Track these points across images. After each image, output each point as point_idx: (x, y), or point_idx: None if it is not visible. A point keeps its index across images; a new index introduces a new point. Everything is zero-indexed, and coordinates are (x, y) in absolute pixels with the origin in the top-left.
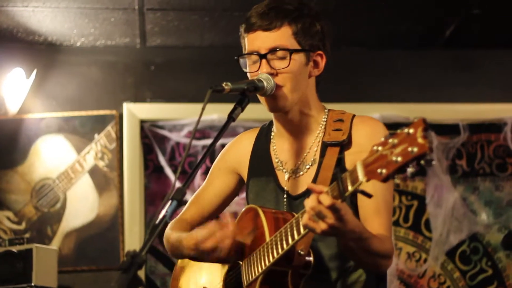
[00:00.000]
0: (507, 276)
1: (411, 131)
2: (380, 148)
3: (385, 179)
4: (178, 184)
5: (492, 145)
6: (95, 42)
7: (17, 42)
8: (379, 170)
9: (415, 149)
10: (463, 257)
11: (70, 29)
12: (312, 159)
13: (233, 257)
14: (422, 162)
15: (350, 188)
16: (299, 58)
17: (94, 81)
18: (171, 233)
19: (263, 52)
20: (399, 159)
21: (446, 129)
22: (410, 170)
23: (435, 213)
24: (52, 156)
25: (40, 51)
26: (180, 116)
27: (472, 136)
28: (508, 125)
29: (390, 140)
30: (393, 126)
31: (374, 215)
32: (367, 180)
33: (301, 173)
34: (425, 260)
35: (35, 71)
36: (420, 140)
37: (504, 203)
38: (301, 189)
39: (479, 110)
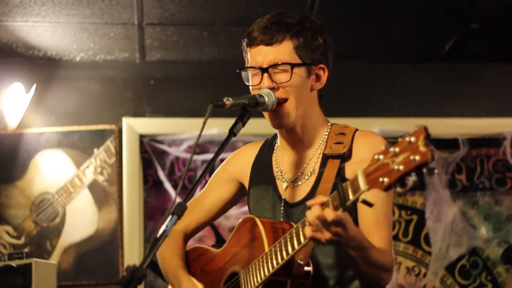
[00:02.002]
0: None
1: (413, 139)
2: (381, 157)
3: (387, 188)
4: (178, 199)
5: (491, 159)
6: (95, 57)
7: (17, 57)
8: (381, 179)
9: (418, 158)
10: (462, 272)
11: (70, 44)
12: (311, 170)
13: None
14: (425, 170)
15: (351, 197)
16: (300, 72)
17: (93, 95)
18: (166, 252)
19: (264, 66)
20: (401, 167)
21: (446, 144)
22: (412, 178)
23: (434, 227)
24: (51, 171)
25: (39, 66)
26: (179, 130)
27: (472, 151)
28: (508, 139)
29: (392, 149)
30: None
31: (374, 229)
32: (369, 189)
33: (300, 183)
34: (425, 275)
35: (34, 86)
36: (422, 148)
37: (503, 218)
38: (299, 198)
39: (478, 124)
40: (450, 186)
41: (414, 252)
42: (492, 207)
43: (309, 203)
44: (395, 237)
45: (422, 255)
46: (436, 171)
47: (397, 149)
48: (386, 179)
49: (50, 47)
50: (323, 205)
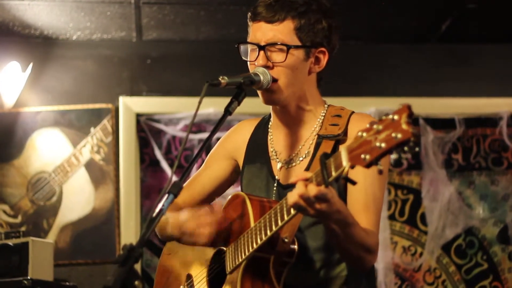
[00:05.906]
0: (502, 270)
1: (396, 117)
2: (364, 134)
3: (368, 165)
4: (174, 178)
5: (487, 139)
6: (91, 36)
7: (13, 35)
8: (362, 156)
9: (399, 135)
10: (458, 251)
11: (66, 23)
12: (306, 152)
13: (215, 244)
14: (406, 148)
15: (333, 173)
16: (297, 53)
17: (90, 74)
18: (165, 219)
19: (262, 44)
20: (383, 145)
21: (442, 123)
22: (393, 156)
23: (430, 207)
24: (48, 150)
25: (36, 45)
26: (176, 109)
27: (468, 130)
28: (504, 119)
29: (375, 126)
30: None
31: (362, 210)
32: (351, 166)
33: (294, 164)
34: (421, 254)
35: (31, 65)
36: (404, 126)
37: (499, 197)
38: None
39: (475, 104)
40: (446, 166)
41: (410, 231)
42: (488, 186)
43: (292, 179)
44: (392, 217)
45: (418, 235)
46: (417, 149)
47: (380, 127)
48: (368, 156)
49: (47, 26)
50: (307, 181)
